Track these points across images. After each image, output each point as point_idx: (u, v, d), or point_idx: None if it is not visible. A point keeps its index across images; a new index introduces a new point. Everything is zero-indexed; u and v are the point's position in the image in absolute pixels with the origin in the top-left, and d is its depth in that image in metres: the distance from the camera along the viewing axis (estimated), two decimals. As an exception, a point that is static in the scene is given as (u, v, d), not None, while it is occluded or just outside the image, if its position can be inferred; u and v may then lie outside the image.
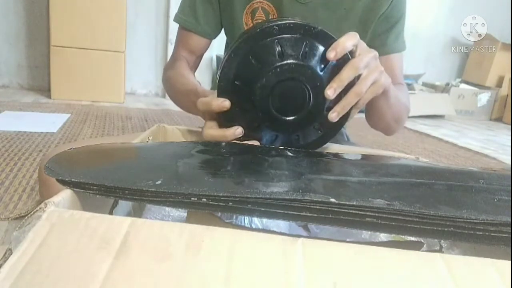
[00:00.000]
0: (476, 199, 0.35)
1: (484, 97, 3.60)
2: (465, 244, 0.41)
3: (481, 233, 0.30)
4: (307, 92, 0.51)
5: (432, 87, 3.62)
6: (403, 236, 0.45)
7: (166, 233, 0.25)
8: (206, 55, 0.97)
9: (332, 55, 0.49)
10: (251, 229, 0.46)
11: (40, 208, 0.26)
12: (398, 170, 0.45)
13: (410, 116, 3.10)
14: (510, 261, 0.25)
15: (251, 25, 0.78)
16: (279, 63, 0.50)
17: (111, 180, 0.32)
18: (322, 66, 0.51)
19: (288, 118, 0.52)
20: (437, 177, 0.41)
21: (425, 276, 0.24)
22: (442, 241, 0.43)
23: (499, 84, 3.61)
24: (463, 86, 3.61)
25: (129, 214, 0.45)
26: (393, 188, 0.36)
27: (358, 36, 0.51)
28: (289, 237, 0.26)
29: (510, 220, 0.30)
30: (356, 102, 0.51)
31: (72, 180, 0.32)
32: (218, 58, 3.10)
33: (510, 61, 3.40)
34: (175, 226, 0.25)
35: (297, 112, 0.52)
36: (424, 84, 3.66)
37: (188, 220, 0.40)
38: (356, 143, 0.88)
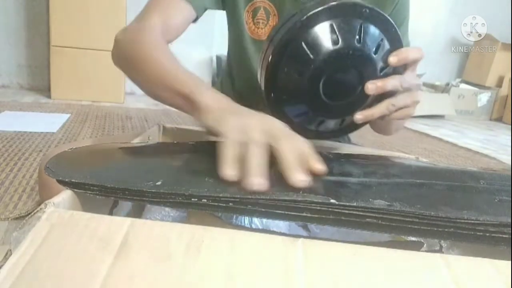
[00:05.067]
0: (476, 200, 0.35)
1: (484, 97, 3.60)
2: (465, 244, 0.41)
3: (481, 233, 0.30)
4: (360, 77, 0.50)
5: (432, 87, 3.62)
6: (404, 236, 0.45)
7: (166, 234, 0.25)
8: (206, 55, 0.95)
9: (394, 61, 0.49)
10: (251, 229, 0.46)
11: (40, 208, 0.26)
12: (398, 170, 0.45)
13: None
14: (510, 261, 0.25)
15: (252, 23, 0.77)
16: (334, 49, 0.48)
17: (111, 180, 0.32)
18: (374, 49, 0.50)
19: (335, 103, 0.52)
20: (437, 177, 0.41)
21: (425, 276, 0.24)
22: (442, 241, 0.43)
23: (499, 84, 3.60)
24: (463, 86, 3.61)
25: (128, 215, 0.45)
26: (393, 188, 0.36)
27: (423, 54, 0.52)
28: (289, 237, 0.26)
29: (510, 220, 0.30)
30: (383, 115, 0.52)
31: (72, 180, 0.32)
32: (218, 58, 3.09)
33: (510, 61, 3.40)
34: (175, 227, 0.25)
35: (346, 96, 0.51)
36: (424, 84, 3.65)
37: (188, 220, 0.40)
38: (356, 143, 0.89)
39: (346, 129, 0.58)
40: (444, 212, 0.30)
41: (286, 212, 0.31)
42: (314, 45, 0.49)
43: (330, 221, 0.31)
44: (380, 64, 0.50)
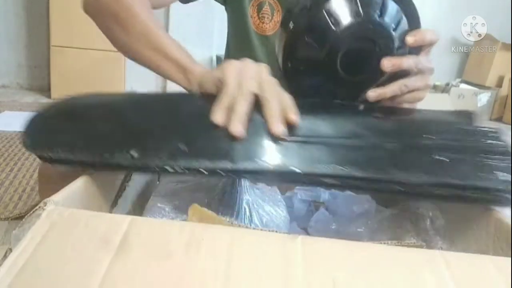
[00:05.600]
0: (422, 160, 0.38)
1: (484, 97, 3.60)
2: (464, 245, 0.41)
3: (423, 192, 0.35)
4: (377, 52, 0.50)
5: (432, 87, 3.62)
6: (403, 239, 0.45)
7: (166, 232, 0.25)
8: (206, 56, 0.94)
9: (411, 40, 0.50)
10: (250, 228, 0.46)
11: (39, 206, 0.26)
12: (351, 129, 0.44)
13: (410, 116, 3.09)
14: (510, 258, 0.25)
15: (257, 18, 0.77)
16: (355, 21, 0.48)
17: (87, 154, 0.34)
18: (394, 26, 0.50)
19: (350, 78, 0.51)
20: (389, 135, 0.42)
21: (424, 272, 0.24)
22: (441, 242, 0.43)
23: (499, 84, 3.60)
24: (463, 86, 3.61)
25: (128, 214, 0.45)
26: (346, 151, 0.38)
27: (438, 37, 0.53)
28: (288, 235, 0.26)
29: (448, 181, 0.35)
30: (395, 95, 0.52)
31: (51, 156, 0.33)
32: (218, 58, 3.09)
33: (510, 61, 3.40)
34: (175, 224, 0.25)
35: (362, 71, 0.51)
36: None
37: (188, 219, 0.40)
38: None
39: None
40: (392, 175, 0.35)
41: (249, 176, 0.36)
42: (336, 16, 0.48)
43: (296, 182, 0.38)
44: (397, 43, 0.50)
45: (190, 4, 0.80)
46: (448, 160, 0.37)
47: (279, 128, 0.38)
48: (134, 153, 0.34)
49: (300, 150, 0.38)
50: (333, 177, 0.35)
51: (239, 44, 0.82)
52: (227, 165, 0.35)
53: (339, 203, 0.59)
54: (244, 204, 0.46)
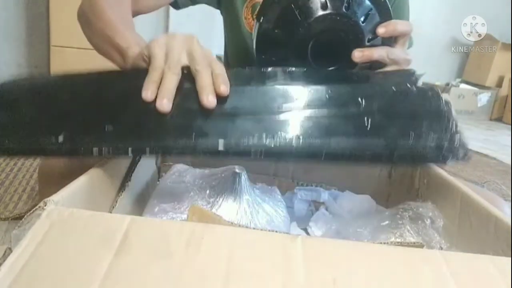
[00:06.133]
0: (349, 126, 0.40)
1: (484, 97, 3.59)
2: (464, 245, 0.41)
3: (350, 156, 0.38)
4: (347, 43, 0.51)
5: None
6: (403, 239, 0.45)
7: (166, 230, 0.25)
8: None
9: (381, 31, 0.50)
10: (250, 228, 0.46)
11: (39, 206, 0.26)
12: (281, 100, 0.43)
13: (410, 116, 3.09)
14: (510, 258, 0.25)
15: (251, 18, 0.78)
16: (322, 13, 0.49)
17: (14, 141, 0.35)
18: (363, 18, 0.51)
19: (325, 68, 0.53)
20: (323, 103, 0.42)
21: (424, 272, 0.24)
22: (443, 241, 0.43)
23: (499, 84, 3.60)
24: (463, 86, 3.61)
25: (128, 214, 0.45)
26: (274, 123, 0.39)
27: (412, 27, 0.53)
28: (288, 234, 0.26)
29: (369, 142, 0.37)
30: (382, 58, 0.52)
31: None
32: (218, 58, 3.08)
33: (510, 61, 3.40)
34: (175, 224, 0.25)
35: (333, 63, 0.53)
36: (424, 84, 3.65)
37: (188, 219, 0.40)
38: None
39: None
40: (335, 144, 0.37)
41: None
42: (303, 8, 0.50)
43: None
44: (368, 35, 0.51)
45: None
46: (375, 124, 0.39)
47: (208, 100, 0.37)
48: (60, 138, 0.34)
49: (228, 123, 0.38)
50: (257, 147, 0.35)
51: (234, 44, 0.83)
52: (154, 144, 0.35)
53: (339, 203, 0.59)
54: (244, 204, 0.46)
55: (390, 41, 0.53)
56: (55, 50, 2.42)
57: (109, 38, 0.52)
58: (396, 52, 0.52)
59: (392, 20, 0.52)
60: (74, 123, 0.37)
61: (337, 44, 0.51)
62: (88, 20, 0.59)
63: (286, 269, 0.23)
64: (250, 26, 0.78)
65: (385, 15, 0.53)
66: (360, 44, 0.51)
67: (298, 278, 0.22)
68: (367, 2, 0.51)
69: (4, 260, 0.21)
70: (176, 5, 0.78)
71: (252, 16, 0.78)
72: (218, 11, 0.85)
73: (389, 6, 0.53)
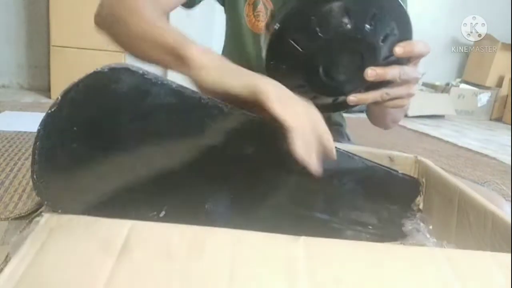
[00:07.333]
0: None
1: (484, 97, 3.59)
2: (463, 242, 0.41)
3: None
4: (360, 62, 0.50)
5: (432, 87, 3.62)
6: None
7: (167, 234, 0.25)
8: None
9: (399, 51, 0.50)
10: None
11: (38, 213, 0.26)
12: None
13: (410, 116, 3.09)
14: (510, 254, 0.25)
15: (252, 16, 0.78)
16: (342, 30, 0.48)
17: (108, 213, 0.27)
18: (383, 37, 0.49)
19: (332, 83, 0.52)
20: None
21: (426, 269, 0.24)
22: (441, 241, 0.44)
23: (499, 84, 3.60)
24: (463, 86, 3.61)
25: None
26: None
27: (429, 49, 0.53)
28: (290, 236, 0.26)
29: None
30: (376, 102, 0.53)
31: (70, 212, 0.28)
32: (218, 58, 3.08)
33: (510, 61, 3.40)
34: (176, 227, 0.25)
35: (345, 78, 0.52)
36: (424, 84, 3.65)
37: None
38: (356, 143, 0.89)
39: (337, 107, 0.59)
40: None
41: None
42: (324, 23, 0.48)
43: None
44: (385, 52, 0.50)
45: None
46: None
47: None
48: (162, 213, 0.30)
49: None
50: None
51: (235, 43, 0.83)
52: None
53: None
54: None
55: (404, 59, 0.52)
56: (55, 50, 2.42)
57: (156, 39, 0.47)
58: (408, 72, 0.52)
59: (411, 41, 0.51)
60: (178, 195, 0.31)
61: (351, 61, 0.50)
62: (121, 21, 0.53)
63: (289, 271, 0.23)
64: (251, 23, 0.78)
65: (405, 34, 0.52)
66: (375, 62, 0.50)
67: (302, 279, 0.22)
68: (391, 21, 0.50)
69: (5, 266, 0.21)
70: (191, 3, 0.74)
71: (253, 14, 0.78)
72: (218, 13, 0.85)
73: (411, 26, 0.52)
